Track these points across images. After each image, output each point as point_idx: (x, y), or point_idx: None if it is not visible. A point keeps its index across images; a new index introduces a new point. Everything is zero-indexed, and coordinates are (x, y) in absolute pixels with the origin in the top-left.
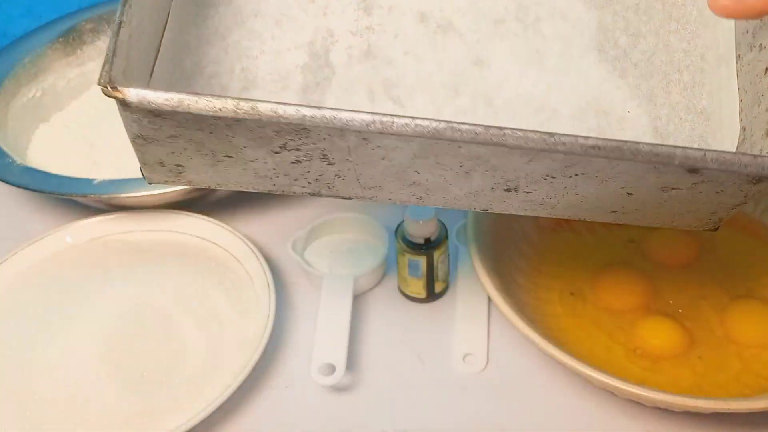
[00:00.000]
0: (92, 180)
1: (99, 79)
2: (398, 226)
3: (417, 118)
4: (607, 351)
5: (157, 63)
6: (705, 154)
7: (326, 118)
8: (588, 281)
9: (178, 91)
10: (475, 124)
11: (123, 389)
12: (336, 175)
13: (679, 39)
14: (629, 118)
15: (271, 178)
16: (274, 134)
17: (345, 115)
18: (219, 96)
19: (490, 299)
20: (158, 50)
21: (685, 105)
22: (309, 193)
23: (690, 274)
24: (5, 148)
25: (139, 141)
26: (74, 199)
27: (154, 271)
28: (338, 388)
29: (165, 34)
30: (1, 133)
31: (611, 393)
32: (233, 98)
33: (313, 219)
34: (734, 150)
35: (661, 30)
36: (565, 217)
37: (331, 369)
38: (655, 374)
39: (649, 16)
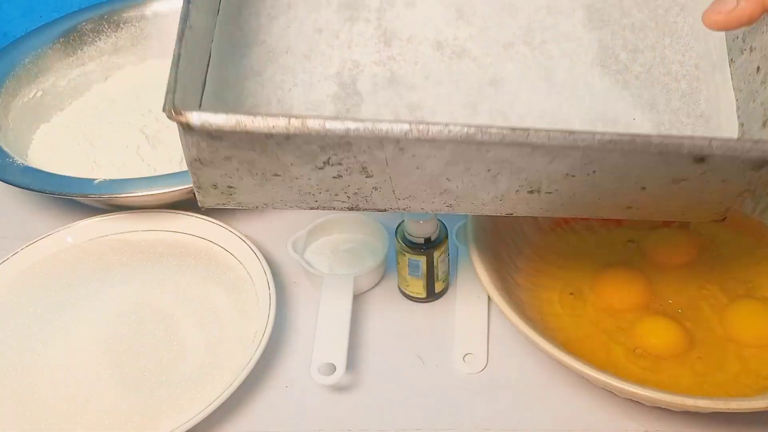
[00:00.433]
0: (92, 180)
1: (164, 107)
2: (398, 226)
3: (450, 123)
4: (607, 351)
5: (203, 98)
6: (710, 142)
7: (368, 129)
8: (588, 281)
9: (236, 112)
10: (502, 127)
11: (123, 389)
12: (374, 188)
13: (674, 52)
14: (635, 125)
15: (313, 195)
16: (319, 150)
17: (384, 126)
18: (272, 114)
19: (490, 299)
20: (203, 87)
21: (685, 110)
22: (347, 208)
23: (690, 274)
24: (6, 148)
25: (196, 164)
26: (75, 199)
27: (154, 271)
28: (338, 388)
29: (207, 74)
30: (1, 133)
31: (611, 393)
32: (285, 115)
33: (313, 219)
34: None
35: (657, 45)
36: (584, 216)
37: (331, 369)
38: (655, 374)
39: (644, 33)
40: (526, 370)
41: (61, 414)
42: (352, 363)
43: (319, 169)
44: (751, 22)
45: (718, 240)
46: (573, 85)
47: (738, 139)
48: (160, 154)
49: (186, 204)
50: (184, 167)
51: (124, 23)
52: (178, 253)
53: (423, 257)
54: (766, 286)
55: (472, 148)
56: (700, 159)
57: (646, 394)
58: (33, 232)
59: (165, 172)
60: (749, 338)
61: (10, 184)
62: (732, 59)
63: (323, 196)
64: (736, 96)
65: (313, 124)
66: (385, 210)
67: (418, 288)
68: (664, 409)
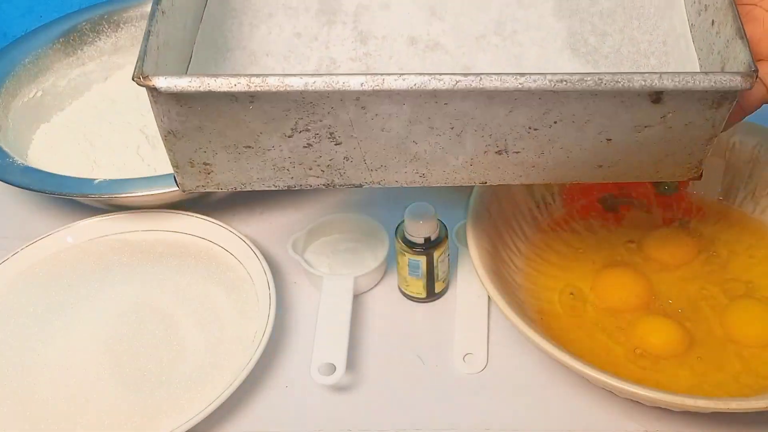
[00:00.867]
0: (93, 180)
1: (133, 74)
2: (398, 226)
3: (404, 73)
4: (607, 351)
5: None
6: (661, 75)
7: (326, 82)
8: (588, 281)
9: (199, 74)
10: (455, 73)
11: (123, 389)
12: (345, 158)
13: (641, 32)
14: None
15: (287, 170)
16: (284, 114)
17: (342, 78)
18: (234, 74)
19: (490, 299)
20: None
21: None
22: (324, 184)
23: (690, 274)
24: (6, 148)
25: (171, 138)
26: (75, 199)
27: (154, 271)
28: (338, 388)
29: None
30: (1, 133)
31: (611, 393)
32: (246, 75)
33: (313, 219)
34: None
35: (625, 28)
36: (558, 181)
37: (331, 369)
38: (654, 374)
39: (612, 19)
40: (526, 370)
41: (61, 414)
42: (352, 363)
43: (288, 137)
44: None
45: (718, 240)
46: (543, 68)
47: (688, 72)
48: (160, 154)
49: (186, 204)
50: None
51: (124, 23)
52: (178, 253)
53: (423, 257)
54: (766, 286)
55: (430, 102)
56: (656, 98)
57: (646, 394)
58: (33, 232)
59: (165, 172)
60: (749, 338)
61: (10, 184)
62: (692, 24)
63: (297, 171)
64: (698, 55)
65: (273, 81)
66: (360, 185)
67: (418, 288)
68: (664, 409)
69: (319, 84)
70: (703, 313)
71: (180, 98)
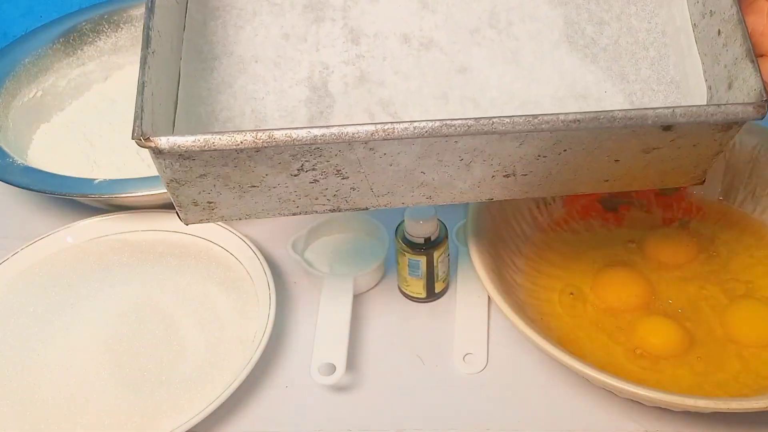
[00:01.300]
0: (92, 180)
1: (132, 134)
2: (398, 226)
3: (415, 121)
4: (607, 351)
5: (176, 118)
6: (674, 111)
7: (335, 134)
8: (588, 281)
9: (203, 132)
10: (466, 118)
11: (123, 389)
12: (351, 188)
13: (639, 20)
14: (606, 98)
15: (293, 201)
16: (291, 158)
17: (351, 129)
18: (239, 130)
19: (490, 299)
20: (176, 105)
21: (655, 78)
22: (329, 210)
23: (690, 274)
24: (6, 148)
25: (173, 185)
26: (75, 199)
27: (154, 271)
28: (338, 388)
29: (179, 91)
30: (1, 133)
31: (611, 393)
32: (251, 130)
33: (313, 219)
34: None
35: (623, 15)
36: (563, 194)
37: (331, 369)
38: (654, 374)
39: (609, 5)
40: (526, 370)
41: (61, 414)
42: (352, 363)
43: (294, 176)
44: None
45: (718, 240)
46: (540, 64)
47: (700, 105)
48: None
49: None
50: None
51: (124, 23)
52: (178, 253)
53: (423, 257)
54: (766, 286)
55: (440, 140)
56: (667, 127)
57: (646, 394)
58: (33, 232)
59: None
60: (749, 338)
61: (10, 184)
62: (695, 23)
63: (303, 201)
64: (702, 60)
65: (280, 135)
66: (366, 208)
67: (418, 288)
68: (664, 409)
69: (328, 136)
70: (703, 313)
71: (183, 154)
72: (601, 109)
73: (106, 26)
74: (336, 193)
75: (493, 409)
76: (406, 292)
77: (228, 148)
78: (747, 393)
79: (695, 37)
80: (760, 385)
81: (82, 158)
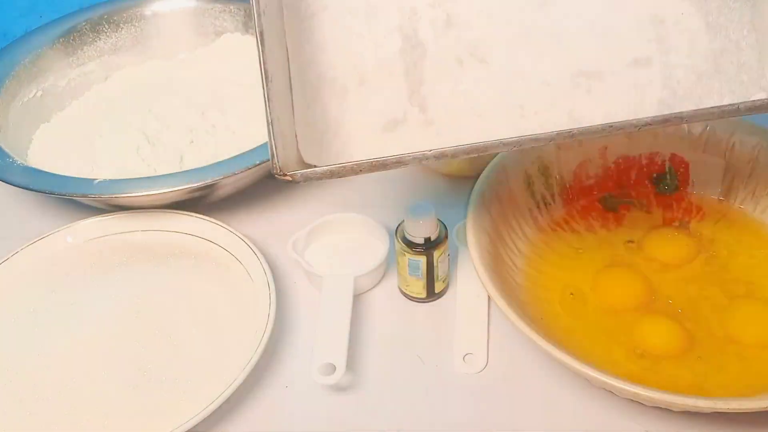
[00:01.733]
0: (92, 180)
1: (271, 170)
2: (398, 226)
3: (504, 140)
4: (607, 351)
5: (293, 95)
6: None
7: (436, 156)
8: (588, 281)
9: (329, 165)
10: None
11: (123, 389)
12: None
13: None
14: (683, 20)
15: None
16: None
17: (450, 151)
18: (357, 161)
19: (490, 299)
20: (290, 80)
21: None
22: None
23: (690, 275)
24: (6, 148)
25: (302, 182)
26: (75, 199)
27: (154, 271)
28: (338, 388)
29: (290, 65)
30: (1, 133)
31: (611, 393)
32: (368, 161)
33: (313, 219)
34: None
35: None
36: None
37: (332, 369)
38: (655, 374)
39: None
40: (526, 370)
41: (61, 414)
42: (352, 363)
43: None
44: None
45: (718, 240)
46: None
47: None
48: (160, 154)
49: (186, 204)
50: (184, 167)
51: (124, 23)
52: (178, 253)
53: (423, 257)
54: (766, 286)
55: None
56: None
57: (646, 394)
58: (33, 232)
59: (165, 172)
60: (749, 338)
61: (10, 184)
62: None
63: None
64: None
65: (391, 161)
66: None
67: (418, 288)
68: (664, 409)
69: (430, 159)
70: (703, 313)
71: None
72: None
73: (106, 26)
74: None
75: (493, 409)
76: (406, 292)
77: (350, 174)
78: (747, 393)
79: None
80: (761, 385)
81: (82, 158)
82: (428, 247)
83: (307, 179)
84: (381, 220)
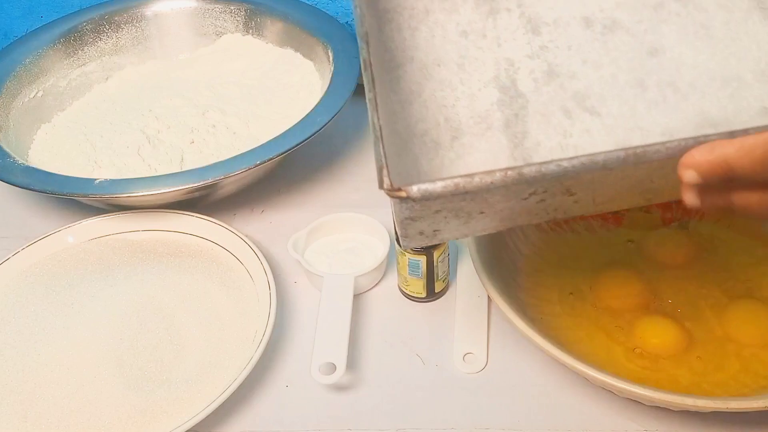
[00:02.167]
0: (93, 180)
1: (380, 184)
2: None
3: (666, 142)
4: (607, 351)
5: (383, 142)
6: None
7: (584, 163)
8: (588, 281)
9: (452, 176)
10: (714, 134)
11: (123, 388)
12: (574, 202)
13: None
14: None
15: (514, 219)
16: (527, 186)
17: (601, 158)
18: (488, 171)
19: (490, 299)
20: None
21: None
22: (544, 221)
23: (689, 274)
24: (7, 148)
25: (407, 222)
26: (75, 199)
27: (155, 271)
28: (338, 388)
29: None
30: (2, 133)
31: (611, 393)
32: (501, 170)
33: (313, 219)
34: None
35: None
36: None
37: (332, 368)
38: (654, 374)
39: None
40: (526, 370)
41: (61, 414)
42: (352, 363)
43: (524, 200)
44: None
45: (718, 240)
46: (735, 36)
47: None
48: (160, 154)
49: (186, 204)
50: (185, 167)
51: (124, 23)
52: (178, 253)
53: (423, 257)
54: (765, 286)
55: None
56: None
57: (646, 393)
58: (33, 232)
59: (165, 172)
60: (749, 338)
61: (11, 184)
62: None
63: (523, 217)
64: None
65: (530, 171)
66: (580, 215)
67: (418, 288)
68: (664, 408)
69: (578, 167)
70: (702, 312)
71: (429, 197)
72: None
73: (107, 26)
74: (557, 207)
75: (493, 409)
76: (406, 292)
77: (478, 189)
78: (746, 393)
79: None
80: (760, 385)
81: (83, 158)
82: (428, 247)
83: (426, 196)
84: (381, 220)
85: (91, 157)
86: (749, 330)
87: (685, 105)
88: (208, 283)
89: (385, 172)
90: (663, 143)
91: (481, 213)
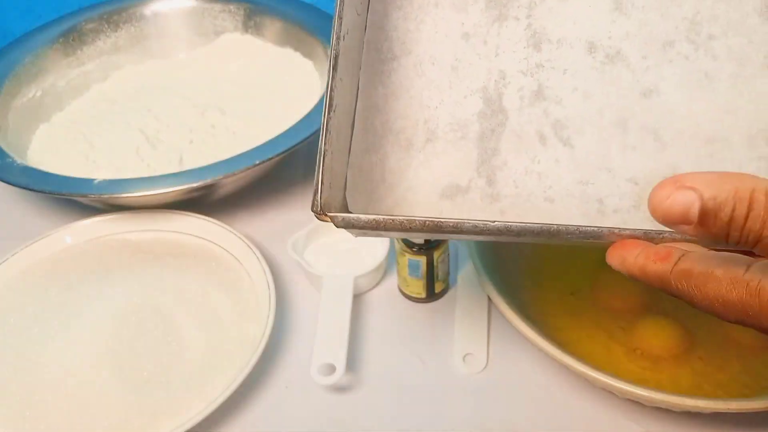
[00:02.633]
0: (92, 180)
1: (312, 207)
2: None
3: (584, 227)
4: (607, 351)
5: (353, 134)
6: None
7: (500, 230)
8: (588, 281)
9: (374, 214)
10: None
11: (123, 389)
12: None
13: None
14: None
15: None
16: (445, 235)
17: (516, 227)
18: (407, 217)
19: (490, 299)
20: (353, 118)
21: None
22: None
23: None
24: (5, 148)
25: (341, 228)
26: (74, 199)
27: (154, 271)
28: (338, 388)
29: (357, 102)
30: (1, 133)
31: (611, 393)
32: (421, 218)
33: (312, 219)
34: None
35: None
36: None
37: (331, 369)
38: (655, 374)
39: None
40: (526, 370)
41: (60, 414)
42: (352, 363)
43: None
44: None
45: None
46: (737, 92)
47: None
48: (159, 154)
49: (186, 204)
50: (184, 167)
51: (123, 23)
52: (178, 253)
53: (423, 257)
54: None
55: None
56: None
57: (646, 394)
58: (33, 232)
59: (165, 172)
60: (749, 338)
61: (10, 184)
62: None
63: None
64: None
65: (447, 225)
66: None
67: (418, 288)
68: (665, 409)
69: (492, 229)
70: (703, 313)
71: (354, 226)
72: None
73: (106, 26)
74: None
75: (493, 409)
76: (406, 292)
77: (397, 230)
78: (747, 393)
79: None
80: (761, 386)
81: (82, 158)
82: (428, 247)
83: (349, 226)
84: None
85: (89, 157)
86: (750, 330)
87: (660, 155)
88: (207, 283)
89: (317, 197)
90: (577, 227)
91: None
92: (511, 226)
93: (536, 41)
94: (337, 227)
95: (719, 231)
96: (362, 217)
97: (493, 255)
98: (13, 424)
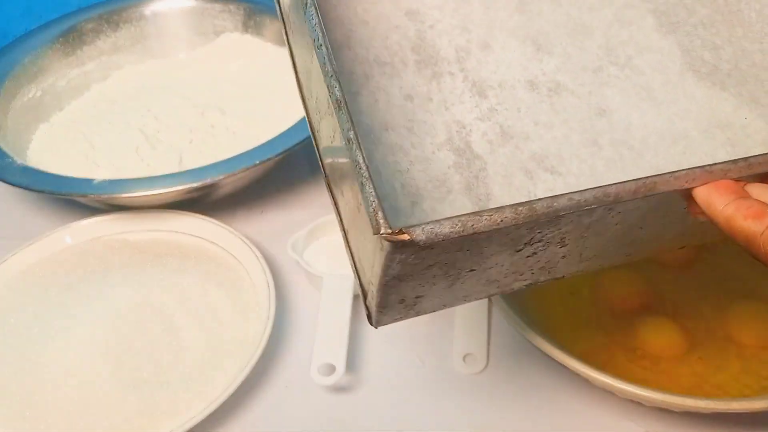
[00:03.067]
0: (92, 180)
1: (376, 230)
2: None
3: (676, 171)
4: (607, 351)
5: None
6: None
7: (596, 197)
8: (588, 281)
9: (458, 215)
10: (727, 161)
11: (123, 389)
12: (563, 257)
13: (750, 41)
14: (749, 124)
15: (498, 281)
16: (527, 231)
17: (614, 189)
18: (496, 208)
19: (490, 299)
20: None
21: None
22: (525, 286)
23: (690, 275)
24: (5, 148)
25: (392, 284)
26: (74, 199)
27: (154, 271)
28: (338, 388)
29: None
30: (1, 132)
31: (611, 393)
32: (511, 206)
33: (312, 219)
34: None
35: (732, 38)
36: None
37: (331, 369)
38: (655, 374)
39: (715, 28)
40: (526, 370)
41: (60, 414)
42: (352, 363)
43: (518, 251)
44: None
45: (718, 241)
46: (675, 98)
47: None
48: (159, 154)
49: (186, 204)
50: (184, 167)
51: (123, 23)
52: (178, 253)
53: None
54: (766, 286)
55: (679, 192)
56: None
57: (646, 394)
58: (33, 232)
59: (164, 172)
60: (749, 338)
61: (10, 184)
62: None
63: (507, 279)
64: None
65: (541, 206)
66: (563, 277)
67: None
68: (665, 409)
69: (591, 200)
70: (703, 313)
71: (431, 244)
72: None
73: (106, 26)
74: (545, 264)
75: (493, 409)
76: None
77: (489, 228)
78: (747, 393)
79: None
80: (761, 386)
81: (82, 158)
82: None
83: (431, 240)
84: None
85: (89, 157)
86: (750, 331)
87: (641, 162)
88: (207, 283)
89: (380, 214)
90: (671, 173)
91: (471, 270)
92: (607, 189)
93: (479, 89)
94: (415, 247)
95: None
96: (446, 223)
97: None
98: (13, 424)
